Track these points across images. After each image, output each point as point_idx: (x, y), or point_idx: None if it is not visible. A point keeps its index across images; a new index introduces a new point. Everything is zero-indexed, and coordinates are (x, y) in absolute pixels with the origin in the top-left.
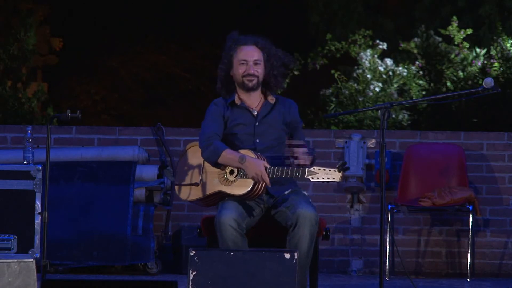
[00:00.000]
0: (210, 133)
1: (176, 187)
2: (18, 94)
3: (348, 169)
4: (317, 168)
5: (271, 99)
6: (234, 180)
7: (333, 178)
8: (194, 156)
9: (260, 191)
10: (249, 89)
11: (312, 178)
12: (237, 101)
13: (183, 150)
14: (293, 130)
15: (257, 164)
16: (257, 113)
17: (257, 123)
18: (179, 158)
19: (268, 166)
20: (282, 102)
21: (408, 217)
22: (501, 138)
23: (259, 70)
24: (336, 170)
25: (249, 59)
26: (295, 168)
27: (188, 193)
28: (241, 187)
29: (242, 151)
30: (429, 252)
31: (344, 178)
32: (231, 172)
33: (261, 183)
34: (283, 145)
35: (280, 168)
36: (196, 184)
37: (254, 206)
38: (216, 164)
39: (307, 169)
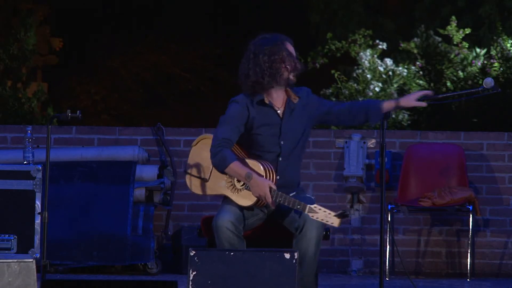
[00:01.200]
0: (222, 139)
1: (186, 177)
2: (18, 94)
3: (347, 216)
4: (318, 207)
5: (295, 98)
6: (241, 189)
7: (331, 223)
8: (207, 150)
9: (263, 205)
10: (289, 85)
11: (312, 216)
12: (266, 100)
13: (196, 139)
14: (320, 111)
15: (262, 185)
16: (282, 112)
17: (282, 124)
18: (192, 146)
19: (274, 187)
20: (303, 96)
21: (408, 217)
22: (501, 138)
23: None
24: (336, 216)
25: (295, 55)
26: (297, 201)
27: (195, 185)
28: (245, 199)
29: (251, 162)
30: (429, 252)
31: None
32: (239, 180)
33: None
34: (303, 144)
35: (284, 195)
36: (205, 180)
37: (256, 210)
38: (223, 172)
39: (308, 206)
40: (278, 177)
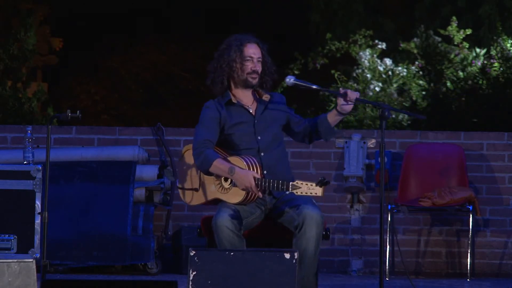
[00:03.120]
0: (202, 140)
1: (180, 191)
2: (18, 94)
3: (329, 183)
4: (300, 182)
5: (266, 97)
6: (229, 188)
7: (315, 193)
8: (192, 159)
9: (254, 199)
10: (249, 87)
11: (296, 192)
12: (234, 100)
13: (181, 151)
14: (292, 119)
15: (246, 176)
16: (255, 110)
17: (256, 121)
18: (179, 160)
19: (257, 176)
20: (275, 97)
21: (408, 217)
22: (501, 138)
23: (260, 68)
24: (317, 185)
25: (254, 56)
26: (281, 181)
27: (191, 197)
28: (235, 196)
29: (232, 159)
30: (429, 252)
31: (324, 193)
32: (226, 179)
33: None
34: (282, 141)
35: (267, 180)
36: (196, 190)
37: (253, 207)
38: (208, 173)
39: (291, 183)
40: (265, 172)
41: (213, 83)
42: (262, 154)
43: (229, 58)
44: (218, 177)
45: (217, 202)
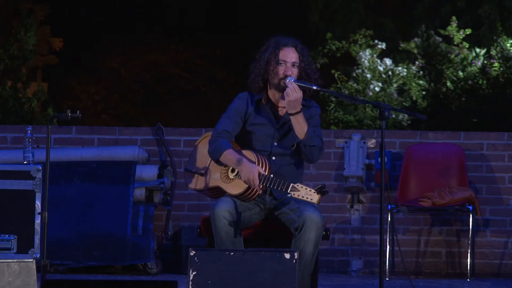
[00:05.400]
0: (221, 130)
1: (186, 174)
2: (18, 94)
3: (327, 193)
4: (300, 185)
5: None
6: (233, 179)
7: (311, 199)
8: (206, 147)
9: (254, 195)
10: (282, 91)
11: (293, 194)
12: (264, 101)
13: (198, 138)
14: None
15: (251, 169)
16: (282, 116)
17: (278, 126)
18: (195, 144)
19: (262, 172)
20: (310, 109)
21: (408, 217)
22: (501, 138)
23: (296, 73)
24: (315, 192)
25: (288, 60)
26: (282, 181)
27: (192, 180)
28: (236, 187)
29: (245, 152)
30: (429, 252)
31: (320, 201)
32: (233, 170)
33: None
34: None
35: (270, 177)
36: (201, 174)
37: (252, 204)
38: (217, 162)
39: (291, 184)
40: (271, 175)
41: (251, 83)
42: (273, 158)
43: (265, 61)
44: (225, 167)
45: (217, 193)
